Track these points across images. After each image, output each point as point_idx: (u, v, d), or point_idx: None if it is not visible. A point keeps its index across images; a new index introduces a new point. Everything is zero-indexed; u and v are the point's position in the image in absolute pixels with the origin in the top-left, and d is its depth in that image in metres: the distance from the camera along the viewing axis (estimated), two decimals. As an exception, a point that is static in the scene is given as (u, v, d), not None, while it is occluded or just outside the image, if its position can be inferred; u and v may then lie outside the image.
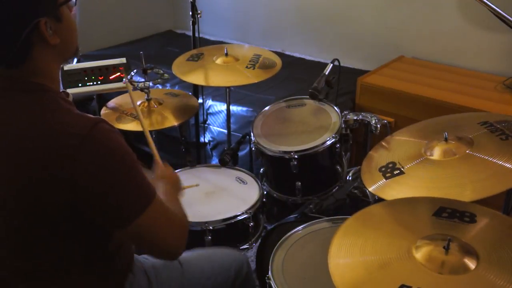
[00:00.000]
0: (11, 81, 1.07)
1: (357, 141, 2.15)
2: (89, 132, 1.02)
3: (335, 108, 1.98)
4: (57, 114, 1.06)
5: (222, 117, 2.74)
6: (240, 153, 2.20)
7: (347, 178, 1.99)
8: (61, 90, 1.15)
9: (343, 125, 1.89)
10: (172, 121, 2.03)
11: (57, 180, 1.02)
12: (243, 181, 1.98)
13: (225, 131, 2.47)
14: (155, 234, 1.12)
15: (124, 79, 1.97)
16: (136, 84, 2.02)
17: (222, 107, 2.71)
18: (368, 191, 1.78)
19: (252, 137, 1.95)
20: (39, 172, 1.02)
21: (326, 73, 1.99)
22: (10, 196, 1.06)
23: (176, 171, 2.05)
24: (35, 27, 1.03)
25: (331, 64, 2.02)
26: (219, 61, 2.18)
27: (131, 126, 1.99)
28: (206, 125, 2.81)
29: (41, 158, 1.02)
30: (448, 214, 1.17)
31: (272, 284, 1.38)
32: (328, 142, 1.83)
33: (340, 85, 2.18)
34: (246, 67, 2.13)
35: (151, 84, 2.04)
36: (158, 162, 1.50)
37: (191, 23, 2.38)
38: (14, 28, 1.02)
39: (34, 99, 1.07)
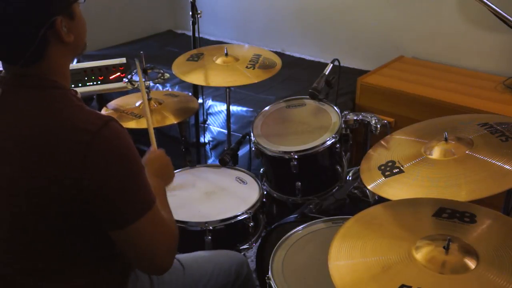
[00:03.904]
0: (24, 78, 1.08)
1: (357, 141, 2.15)
2: (100, 130, 1.03)
3: (335, 108, 1.98)
4: (69, 110, 1.07)
5: (222, 117, 2.74)
6: (240, 153, 2.20)
7: (347, 178, 1.99)
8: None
9: (343, 125, 1.89)
10: (172, 121, 2.03)
11: (67, 175, 1.02)
12: (243, 181, 1.98)
13: (225, 131, 2.48)
14: (148, 242, 1.11)
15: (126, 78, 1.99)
16: (136, 84, 2.02)
17: (222, 107, 2.71)
18: (368, 191, 1.79)
19: (252, 137, 1.95)
20: (51, 167, 1.03)
21: (326, 73, 2.00)
22: (21, 193, 1.06)
23: (176, 171, 2.05)
24: (51, 26, 1.04)
25: (331, 64, 2.02)
26: (219, 61, 2.18)
27: (131, 124, 1.99)
28: (206, 125, 2.81)
29: (53, 153, 1.03)
30: (448, 215, 1.17)
31: (272, 284, 1.38)
32: (328, 142, 1.83)
33: (340, 85, 2.18)
34: (246, 67, 2.13)
35: (151, 84, 2.04)
36: (153, 144, 1.50)
37: (191, 23, 2.38)
38: (31, 28, 1.03)
39: (47, 95, 1.08)
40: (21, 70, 1.07)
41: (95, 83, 2.23)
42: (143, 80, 2.03)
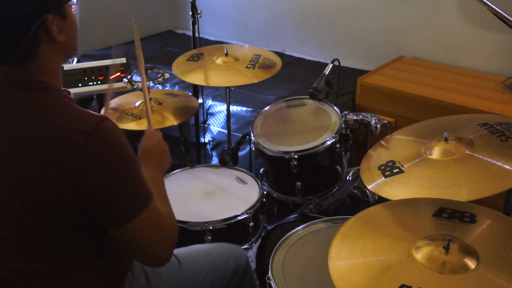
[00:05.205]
0: (15, 79, 1.08)
1: (357, 141, 2.15)
2: (94, 129, 1.03)
3: (335, 108, 1.98)
4: (62, 111, 1.07)
5: (222, 117, 2.74)
6: (240, 153, 2.20)
7: (347, 178, 1.99)
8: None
9: (343, 125, 1.89)
10: (172, 121, 2.03)
11: (63, 176, 1.03)
12: (243, 181, 1.98)
13: (225, 131, 2.48)
14: (147, 238, 1.12)
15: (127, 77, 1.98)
16: (136, 84, 2.01)
17: (222, 107, 2.72)
18: (368, 190, 1.79)
19: (252, 137, 1.95)
20: (46, 169, 1.03)
21: (326, 73, 2.00)
22: (17, 195, 1.06)
23: (176, 171, 2.06)
24: (42, 24, 1.04)
25: (331, 64, 2.02)
26: (219, 61, 2.18)
27: (131, 126, 1.99)
28: (206, 125, 2.81)
29: (47, 155, 1.03)
30: (448, 215, 1.17)
31: (272, 284, 1.38)
32: (328, 142, 1.83)
33: (340, 85, 2.18)
34: (246, 67, 2.13)
35: (151, 84, 2.04)
36: (150, 126, 1.50)
37: (191, 23, 2.39)
38: (22, 25, 1.03)
39: (38, 96, 1.08)
40: (12, 70, 1.07)
41: (95, 83, 2.23)
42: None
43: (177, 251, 1.47)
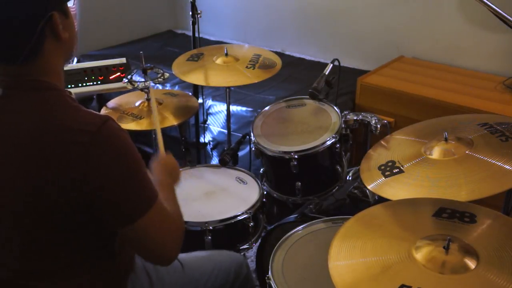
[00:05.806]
0: (19, 80, 1.08)
1: (357, 141, 2.15)
2: (100, 130, 1.03)
3: (335, 108, 1.98)
4: (64, 111, 1.07)
5: (222, 117, 2.74)
6: (240, 153, 2.20)
7: (347, 178, 1.99)
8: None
9: (343, 125, 1.89)
10: (172, 121, 2.03)
11: (65, 176, 1.03)
12: (243, 181, 1.98)
13: (225, 131, 2.48)
14: (153, 237, 1.12)
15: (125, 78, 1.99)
16: (136, 84, 2.01)
17: (222, 107, 2.72)
18: (368, 191, 1.79)
19: (252, 137, 1.95)
20: (47, 169, 1.03)
21: (326, 73, 2.00)
22: (18, 194, 1.06)
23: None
24: (49, 20, 1.05)
25: (331, 64, 2.02)
26: (219, 61, 2.18)
27: (131, 126, 1.99)
28: (206, 125, 2.81)
29: (49, 155, 1.03)
30: (448, 215, 1.17)
31: (272, 284, 1.38)
32: (328, 142, 1.83)
33: (340, 85, 2.18)
34: (246, 67, 2.13)
35: (151, 83, 2.04)
36: (161, 150, 1.53)
37: (191, 23, 2.39)
38: (30, 22, 1.03)
39: (42, 97, 1.08)
40: (15, 71, 1.07)
41: (95, 83, 2.23)
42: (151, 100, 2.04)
43: (179, 255, 1.47)
